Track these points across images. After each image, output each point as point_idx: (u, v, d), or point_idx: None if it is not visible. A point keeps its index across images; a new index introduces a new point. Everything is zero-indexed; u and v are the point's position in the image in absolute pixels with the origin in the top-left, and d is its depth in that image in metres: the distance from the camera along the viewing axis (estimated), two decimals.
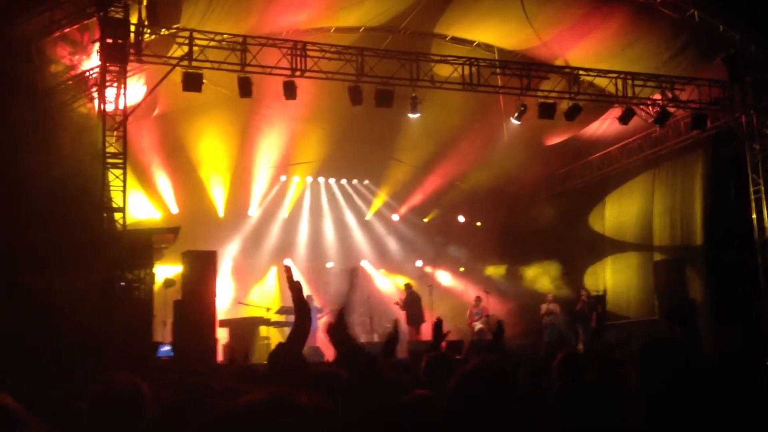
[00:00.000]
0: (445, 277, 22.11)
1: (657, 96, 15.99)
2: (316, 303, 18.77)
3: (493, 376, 3.38)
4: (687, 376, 3.00)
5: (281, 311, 17.00)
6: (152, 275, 13.18)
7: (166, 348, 13.05)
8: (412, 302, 18.06)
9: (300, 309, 4.28)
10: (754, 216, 15.51)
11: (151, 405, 3.36)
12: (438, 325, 6.32)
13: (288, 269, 4.61)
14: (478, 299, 18.91)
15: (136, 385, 3.39)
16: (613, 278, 19.09)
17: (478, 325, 18.30)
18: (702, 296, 16.04)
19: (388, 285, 21.88)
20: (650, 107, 16.21)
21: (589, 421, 3.11)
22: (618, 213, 19.44)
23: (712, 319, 15.35)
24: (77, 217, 11.43)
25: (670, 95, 15.80)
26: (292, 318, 16.75)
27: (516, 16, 15.22)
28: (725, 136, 16.25)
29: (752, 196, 15.61)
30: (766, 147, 15.53)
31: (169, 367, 11.46)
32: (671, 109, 15.96)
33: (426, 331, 17.74)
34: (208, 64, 13.39)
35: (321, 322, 16.85)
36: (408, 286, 18.78)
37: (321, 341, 15.67)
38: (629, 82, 15.59)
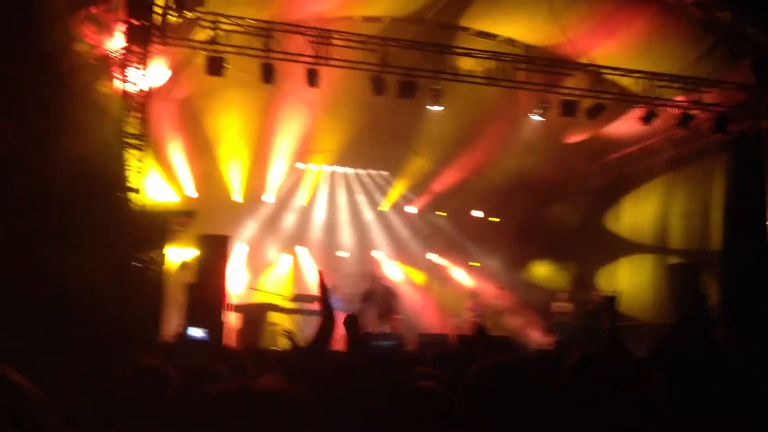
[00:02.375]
0: (457, 271, 22.04)
1: (681, 97, 15.85)
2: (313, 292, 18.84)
3: (513, 375, 3.35)
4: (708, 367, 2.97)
5: (295, 299, 17.03)
6: (164, 257, 13.22)
7: (201, 333, 12.98)
8: (382, 295, 17.87)
9: (325, 314, 4.40)
10: None
11: (176, 389, 3.37)
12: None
13: (321, 275, 4.73)
14: (474, 295, 18.96)
15: (163, 369, 3.39)
16: (627, 280, 18.98)
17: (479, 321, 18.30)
18: (718, 302, 15.91)
19: (401, 275, 21.85)
20: (673, 109, 16.07)
21: (610, 421, 3.08)
22: (635, 214, 19.33)
23: (727, 326, 15.23)
24: (96, 196, 11.45)
25: (694, 97, 15.66)
26: (304, 305, 16.90)
27: (542, 13, 15.11)
28: (748, 141, 16.08)
29: None
30: None
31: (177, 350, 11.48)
32: (694, 112, 15.82)
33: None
34: (231, 49, 13.38)
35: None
36: (376, 279, 18.55)
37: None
38: (653, 82, 15.45)
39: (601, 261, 19.85)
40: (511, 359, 3.39)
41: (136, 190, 12.55)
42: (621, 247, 19.49)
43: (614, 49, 15.99)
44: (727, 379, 2.95)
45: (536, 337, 18.38)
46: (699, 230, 17.05)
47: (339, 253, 21.46)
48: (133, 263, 12.34)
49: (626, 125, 17.90)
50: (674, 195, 17.98)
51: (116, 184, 12.27)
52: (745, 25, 14.71)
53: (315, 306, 17.21)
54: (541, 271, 20.44)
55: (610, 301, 18.35)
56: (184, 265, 15.02)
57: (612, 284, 19.16)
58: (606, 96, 15.57)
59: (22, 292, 9.65)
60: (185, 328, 12.98)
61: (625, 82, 15.88)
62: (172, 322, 14.00)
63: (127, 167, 12.49)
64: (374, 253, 21.86)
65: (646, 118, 15.70)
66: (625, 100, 16.32)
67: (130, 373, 3.46)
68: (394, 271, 21.85)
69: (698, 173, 17.41)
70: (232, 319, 15.17)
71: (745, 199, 15.93)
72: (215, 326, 13.19)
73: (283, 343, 12.60)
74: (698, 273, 16.32)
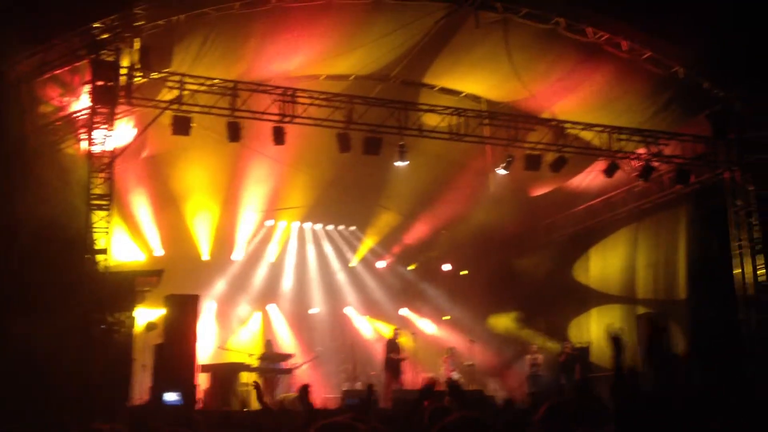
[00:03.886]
0: (429, 326, 21.99)
1: (641, 150, 16.17)
2: (284, 350, 18.79)
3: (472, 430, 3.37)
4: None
5: (263, 357, 16.83)
6: (133, 318, 13.03)
7: (174, 397, 12.75)
8: (395, 350, 17.81)
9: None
10: (736, 271, 15.60)
11: None
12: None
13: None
14: (451, 350, 18.94)
15: None
16: (597, 330, 19.05)
17: (455, 375, 18.22)
18: (684, 350, 16.03)
19: (372, 331, 21.78)
20: (634, 161, 16.37)
21: None
22: (602, 265, 19.50)
23: (696, 374, 15.33)
24: (61, 258, 11.34)
25: (654, 150, 15.99)
26: (273, 365, 16.73)
27: (504, 69, 15.50)
28: (709, 192, 16.41)
29: (734, 252, 15.72)
30: (749, 203, 15.69)
31: (147, 414, 11.26)
32: (655, 164, 16.13)
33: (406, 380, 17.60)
34: (197, 108, 13.44)
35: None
36: (397, 332, 18.44)
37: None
38: (614, 135, 15.76)
39: (572, 312, 19.91)
40: (472, 415, 3.41)
41: (103, 251, 12.42)
42: (590, 298, 19.60)
43: (575, 104, 16.37)
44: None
45: (509, 389, 18.32)
46: (665, 280, 17.25)
47: (310, 311, 21.41)
48: (101, 326, 12.14)
49: (589, 178, 18.21)
50: (639, 246, 18.20)
51: (82, 245, 12.14)
52: (699, 79, 15.14)
53: (282, 365, 17.08)
54: (512, 323, 20.44)
55: (582, 352, 18.40)
56: (149, 326, 14.79)
57: (583, 335, 19.23)
58: (568, 149, 15.83)
59: None
60: (158, 392, 12.74)
61: (587, 135, 16.20)
62: (142, 385, 13.77)
63: (93, 228, 12.38)
64: (345, 309, 21.82)
65: (608, 171, 15.96)
66: (587, 154, 16.61)
67: None
68: (364, 327, 21.80)
69: (662, 224, 17.67)
70: (202, 380, 14.93)
71: (708, 249, 16.18)
72: (187, 389, 12.98)
73: (254, 404, 12.44)
74: (666, 322, 16.45)
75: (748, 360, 14.81)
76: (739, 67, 14.40)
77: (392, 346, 17.57)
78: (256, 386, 7.09)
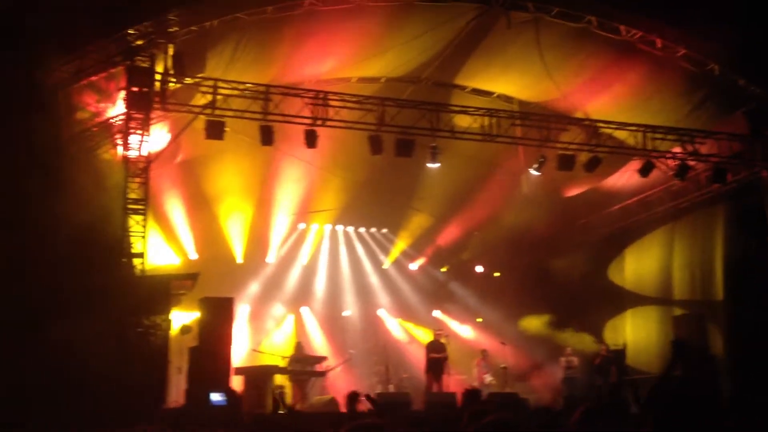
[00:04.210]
0: (462, 328, 21.91)
1: (677, 149, 15.97)
2: (317, 352, 18.84)
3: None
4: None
5: (293, 360, 16.86)
6: (169, 321, 13.15)
7: (219, 398, 12.86)
8: (436, 350, 17.61)
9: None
10: None
11: None
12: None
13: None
14: (485, 352, 18.79)
15: None
16: (633, 332, 18.85)
17: (488, 378, 18.12)
18: (723, 352, 15.80)
19: (405, 334, 21.76)
20: (670, 160, 16.17)
21: None
22: (637, 266, 19.28)
23: (734, 376, 15.09)
24: (98, 262, 11.50)
25: (690, 148, 15.77)
26: (304, 367, 16.78)
27: (536, 69, 15.40)
28: (746, 190, 16.14)
29: None
30: None
31: (181, 417, 11.37)
32: (691, 163, 15.90)
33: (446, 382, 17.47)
34: (230, 113, 13.57)
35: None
36: (438, 333, 18.19)
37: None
38: (649, 134, 15.57)
39: (607, 313, 19.71)
40: (507, 418, 3.39)
41: (140, 255, 12.59)
42: (626, 299, 19.39)
43: (608, 102, 16.20)
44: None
45: (542, 392, 18.19)
46: (702, 281, 16.99)
47: (343, 313, 21.45)
48: (137, 329, 12.28)
49: (624, 177, 18.00)
50: (676, 246, 17.96)
51: (119, 249, 12.32)
52: (734, 76, 14.91)
53: (316, 367, 17.11)
54: (545, 325, 20.29)
55: (618, 354, 18.17)
56: (184, 329, 14.93)
57: (618, 337, 19.02)
58: (602, 149, 15.67)
59: (24, 360, 9.63)
60: (194, 395, 12.84)
61: (621, 134, 16.01)
62: (178, 388, 13.89)
63: (129, 232, 12.54)
64: (378, 311, 21.83)
65: (643, 170, 15.78)
66: (622, 153, 16.42)
67: None
68: (397, 329, 21.78)
69: (699, 224, 17.42)
70: (236, 383, 15.02)
71: (746, 248, 15.91)
72: (227, 391, 13.06)
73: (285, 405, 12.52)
74: (704, 324, 16.22)
75: None
76: None
77: (433, 346, 17.41)
78: (274, 396, 7.05)
